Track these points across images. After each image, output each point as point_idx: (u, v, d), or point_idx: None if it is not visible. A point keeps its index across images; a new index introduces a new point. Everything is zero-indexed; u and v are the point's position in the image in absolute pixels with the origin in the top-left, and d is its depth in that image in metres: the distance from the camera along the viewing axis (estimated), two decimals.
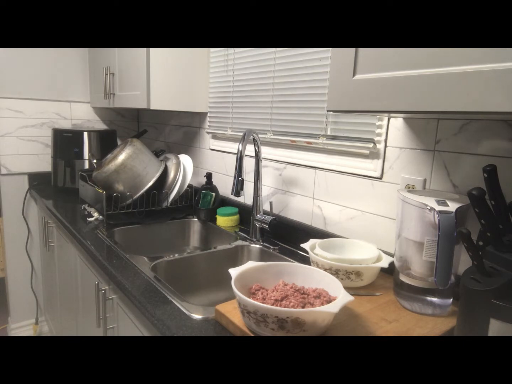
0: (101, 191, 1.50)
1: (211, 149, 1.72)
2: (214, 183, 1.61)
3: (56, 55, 2.03)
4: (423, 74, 0.60)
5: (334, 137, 1.17)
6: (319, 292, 0.75)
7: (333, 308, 0.65)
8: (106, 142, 1.97)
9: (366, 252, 0.99)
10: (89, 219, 1.47)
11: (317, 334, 0.68)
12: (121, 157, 1.46)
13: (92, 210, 1.58)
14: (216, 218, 1.51)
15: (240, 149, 1.15)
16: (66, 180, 1.91)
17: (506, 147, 0.81)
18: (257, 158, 1.29)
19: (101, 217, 1.49)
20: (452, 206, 0.73)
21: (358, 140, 1.10)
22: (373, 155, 1.07)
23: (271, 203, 1.31)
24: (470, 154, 0.87)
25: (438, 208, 0.73)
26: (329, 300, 0.73)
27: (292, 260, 1.16)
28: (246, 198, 1.51)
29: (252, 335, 0.70)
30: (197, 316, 0.82)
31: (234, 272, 0.79)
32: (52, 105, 2.06)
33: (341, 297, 0.70)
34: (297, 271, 0.83)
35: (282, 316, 0.64)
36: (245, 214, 1.48)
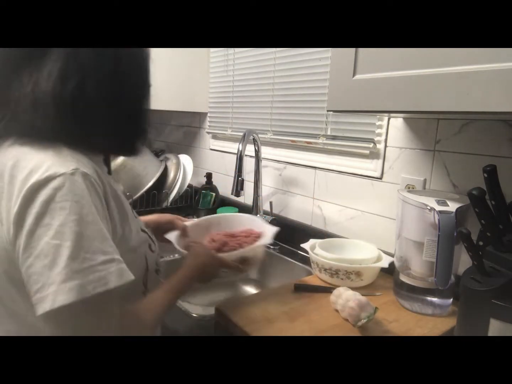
0: None
1: (211, 149, 1.72)
2: (214, 183, 1.61)
3: None
4: (423, 74, 0.60)
5: (334, 137, 1.17)
6: (247, 232, 0.86)
7: (267, 240, 0.80)
8: None
9: (366, 252, 0.99)
10: None
11: (258, 266, 0.82)
12: (121, 157, 1.45)
13: None
14: None
15: (240, 149, 1.15)
16: None
17: (506, 147, 0.81)
18: (257, 158, 1.29)
19: None
20: (452, 206, 0.73)
21: (358, 140, 1.10)
22: (373, 155, 1.07)
23: (271, 203, 1.31)
24: (470, 154, 0.87)
25: (438, 208, 0.73)
26: (258, 236, 0.84)
27: (292, 260, 1.16)
28: (246, 198, 1.51)
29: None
30: (197, 316, 0.82)
31: (172, 235, 0.83)
32: None
33: (268, 230, 0.83)
34: (222, 221, 0.94)
35: (233, 258, 0.75)
36: None
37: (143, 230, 0.66)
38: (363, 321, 0.70)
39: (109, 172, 0.66)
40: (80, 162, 0.52)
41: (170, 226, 0.88)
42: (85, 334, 0.49)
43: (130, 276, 0.51)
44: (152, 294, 0.63)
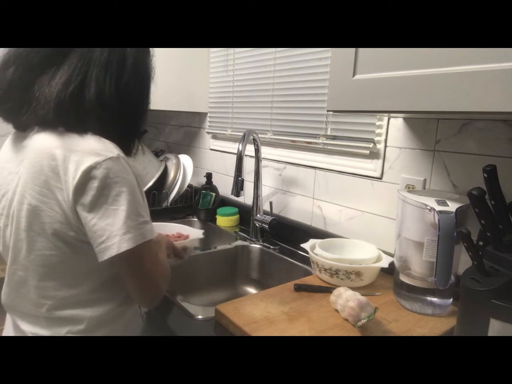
0: None
1: (211, 149, 1.72)
2: (214, 183, 1.61)
3: None
4: (423, 74, 0.60)
5: (334, 137, 1.17)
6: (178, 234, 1.13)
7: (198, 234, 1.13)
8: None
9: (366, 252, 0.99)
10: None
11: (187, 257, 1.01)
12: None
13: None
14: (216, 218, 1.51)
15: (240, 149, 1.15)
16: None
17: (506, 147, 0.81)
18: (257, 158, 1.29)
19: None
20: (452, 206, 0.73)
21: (358, 140, 1.10)
22: (373, 155, 1.07)
23: (271, 203, 1.31)
24: (470, 154, 0.87)
25: (438, 208, 0.73)
26: (187, 237, 1.11)
27: (292, 260, 1.16)
28: (246, 198, 1.51)
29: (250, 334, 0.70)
30: (197, 316, 0.82)
31: None
32: None
33: (194, 232, 1.15)
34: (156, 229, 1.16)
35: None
36: (245, 214, 1.48)
37: None
38: (363, 321, 0.70)
39: None
40: (118, 150, 0.64)
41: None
42: (146, 272, 0.67)
43: (156, 233, 0.68)
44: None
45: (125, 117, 0.70)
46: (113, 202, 0.61)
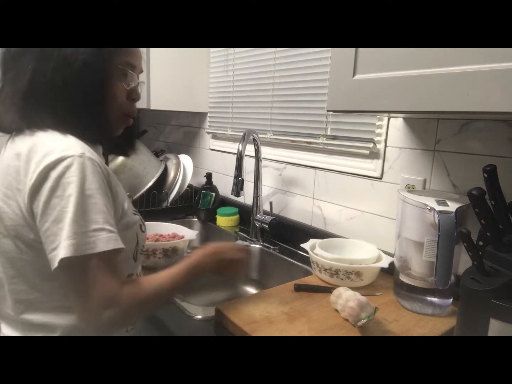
0: None
1: (211, 149, 1.72)
2: (214, 183, 1.61)
3: None
4: (423, 74, 0.60)
5: (334, 137, 1.17)
6: (173, 234, 1.18)
7: (192, 235, 1.16)
8: None
9: (366, 252, 0.99)
10: None
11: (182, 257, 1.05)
12: (121, 157, 1.45)
13: None
14: (216, 218, 1.51)
15: (240, 149, 1.15)
16: None
17: (506, 147, 0.81)
18: (257, 158, 1.29)
19: None
20: (452, 206, 0.73)
21: (358, 140, 1.10)
22: (373, 155, 1.07)
23: (271, 203, 1.31)
24: (470, 154, 0.87)
25: (438, 208, 0.73)
26: (182, 237, 1.15)
27: (292, 260, 1.16)
28: (246, 198, 1.51)
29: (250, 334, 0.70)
30: (197, 316, 0.82)
31: None
32: None
33: (189, 232, 1.19)
34: (151, 227, 1.18)
35: (166, 247, 1.05)
36: (245, 214, 1.48)
37: (135, 213, 0.76)
38: (363, 321, 0.70)
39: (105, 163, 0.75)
40: (85, 149, 0.61)
41: None
42: (84, 289, 0.58)
43: (118, 245, 0.60)
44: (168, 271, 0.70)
45: (81, 109, 0.65)
46: (64, 204, 0.56)
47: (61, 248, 0.55)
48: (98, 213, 0.58)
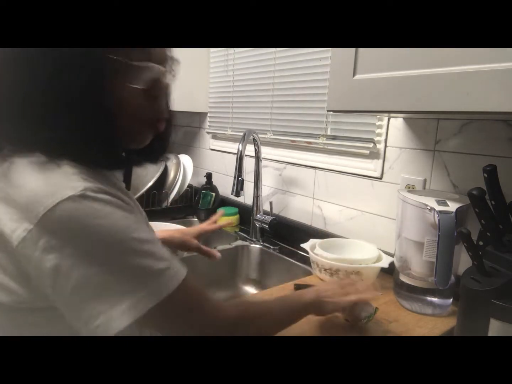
0: None
1: (211, 149, 1.72)
2: (214, 183, 1.61)
3: None
4: (423, 74, 0.60)
5: (334, 137, 1.17)
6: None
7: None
8: None
9: (366, 252, 0.99)
10: None
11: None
12: None
13: None
14: None
15: (240, 149, 1.15)
16: None
17: (506, 147, 0.81)
18: (257, 158, 1.29)
19: None
20: (452, 206, 0.73)
21: (358, 140, 1.10)
22: (373, 155, 1.07)
23: (271, 203, 1.31)
24: (470, 154, 0.87)
25: (438, 208, 0.73)
26: None
27: (292, 260, 1.16)
28: (246, 198, 1.51)
29: None
30: None
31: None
32: None
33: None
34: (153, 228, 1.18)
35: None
36: (245, 214, 1.48)
37: None
38: (363, 321, 0.70)
39: (127, 187, 0.62)
40: (87, 179, 0.45)
41: (183, 247, 0.94)
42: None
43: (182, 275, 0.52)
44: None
45: (72, 116, 0.47)
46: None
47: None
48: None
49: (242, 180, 1.15)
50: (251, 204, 1.33)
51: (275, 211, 1.35)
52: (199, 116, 1.77)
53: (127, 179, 0.62)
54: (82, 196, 0.43)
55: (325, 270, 0.93)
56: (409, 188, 0.98)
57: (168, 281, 0.47)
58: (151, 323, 0.50)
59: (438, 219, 0.72)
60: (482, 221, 0.64)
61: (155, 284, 0.46)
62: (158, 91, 0.54)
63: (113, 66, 0.50)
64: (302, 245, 1.04)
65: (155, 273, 0.46)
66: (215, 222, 1.03)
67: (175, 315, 0.50)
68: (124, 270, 0.45)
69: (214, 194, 1.57)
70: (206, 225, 1.02)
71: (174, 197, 1.56)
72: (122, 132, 0.52)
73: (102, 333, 0.44)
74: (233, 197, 1.27)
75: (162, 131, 0.57)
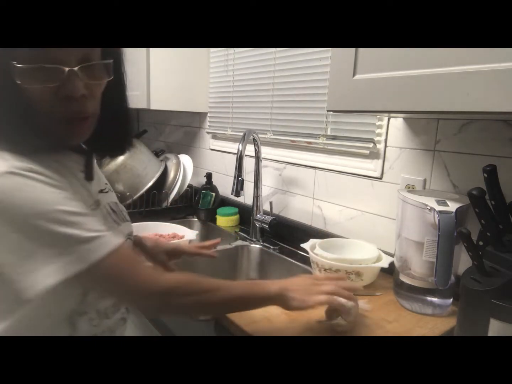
0: None
1: (211, 149, 1.72)
2: (214, 183, 1.61)
3: None
4: (423, 74, 0.60)
5: (334, 137, 1.17)
6: (173, 234, 1.19)
7: (192, 235, 1.18)
8: None
9: (366, 252, 0.99)
10: None
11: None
12: (121, 157, 1.45)
13: None
14: (216, 218, 1.51)
15: (240, 149, 1.15)
16: None
17: (506, 147, 0.81)
18: (257, 158, 1.29)
19: None
20: (452, 206, 0.73)
21: (358, 140, 1.10)
22: (373, 155, 1.07)
23: (271, 203, 1.31)
24: (470, 154, 0.87)
25: (438, 208, 0.73)
26: (182, 237, 1.18)
27: (292, 260, 1.16)
28: (246, 198, 1.51)
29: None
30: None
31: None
32: None
33: (189, 232, 1.21)
34: (151, 228, 1.23)
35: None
36: (245, 214, 1.48)
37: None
38: (329, 322, 0.69)
39: (87, 178, 0.65)
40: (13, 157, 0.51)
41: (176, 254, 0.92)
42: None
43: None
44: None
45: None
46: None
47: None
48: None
49: (242, 180, 1.15)
50: (251, 204, 1.33)
51: (275, 211, 1.35)
52: (199, 116, 1.77)
53: (88, 169, 0.66)
54: (10, 172, 0.49)
55: (325, 270, 0.93)
56: (409, 188, 0.98)
57: (98, 248, 0.52)
58: (88, 285, 0.57)
59: (438, 219, 0.72)
60: (482, 221, 0.64)
61: (83, 250, 0.51)
62: (66, 91, 0.55)
63: (8, 68, 0.52)
64: (302, 245, 1.04)
65: (83, 241, 0.52)
66: (207, 247, 0.97)
67: (107, 280, 0.55)
68: (46, 237, 0.50)
69: (214, 194, 1.57)
70: (194, 248, 0.96)
71: (174, 197, 1.56)
72: (41, 128, 0.56)
73: (32, 293, 0.50)
74: (233, 197, 1.27)
75: (120, 124, 0.65)
